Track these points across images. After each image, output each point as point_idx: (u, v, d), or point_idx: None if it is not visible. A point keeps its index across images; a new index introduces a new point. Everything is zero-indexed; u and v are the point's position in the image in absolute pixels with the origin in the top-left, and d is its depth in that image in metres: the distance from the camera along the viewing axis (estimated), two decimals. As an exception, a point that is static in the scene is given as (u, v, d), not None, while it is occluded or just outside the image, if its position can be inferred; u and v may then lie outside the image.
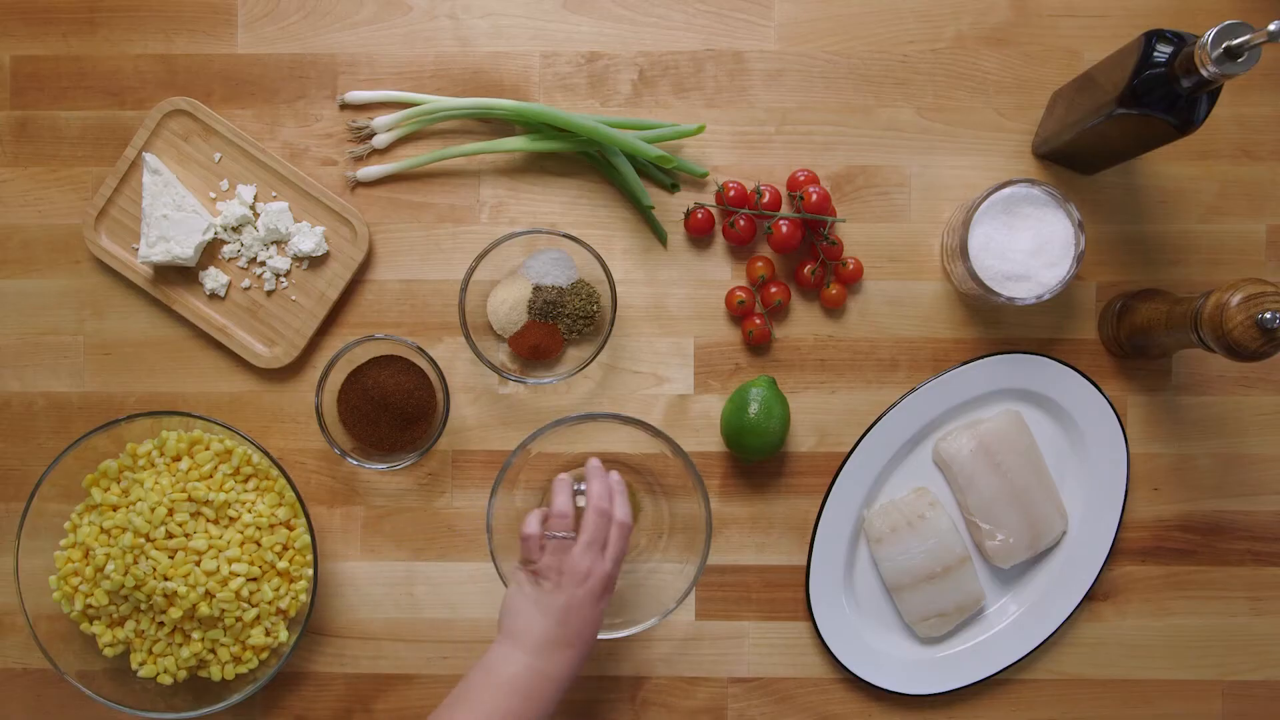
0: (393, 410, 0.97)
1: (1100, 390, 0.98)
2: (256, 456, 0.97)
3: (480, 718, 0.78)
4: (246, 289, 1.01)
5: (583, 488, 0.89)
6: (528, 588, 0.83)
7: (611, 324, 0.96)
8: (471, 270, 0.94)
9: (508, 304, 0.99)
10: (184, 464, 0.96)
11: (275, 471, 0.97)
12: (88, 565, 0.94)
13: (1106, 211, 1.01)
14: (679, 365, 1.01)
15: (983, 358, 0.99)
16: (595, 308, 0.99)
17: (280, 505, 0.97)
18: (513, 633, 0.82)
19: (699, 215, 1.00)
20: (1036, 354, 0.99)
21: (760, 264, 1.00)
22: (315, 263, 1.00)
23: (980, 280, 0.92)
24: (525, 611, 0.82)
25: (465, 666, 1.00)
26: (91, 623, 0.96)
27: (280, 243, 1.00)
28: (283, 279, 1.00)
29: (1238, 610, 1.01)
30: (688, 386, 1.01)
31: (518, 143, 0.99)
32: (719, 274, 1.01)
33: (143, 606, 0.94)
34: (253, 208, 1.00)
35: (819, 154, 1.01)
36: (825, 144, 1.01)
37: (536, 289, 0.99)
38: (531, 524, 0.86)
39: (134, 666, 0.96)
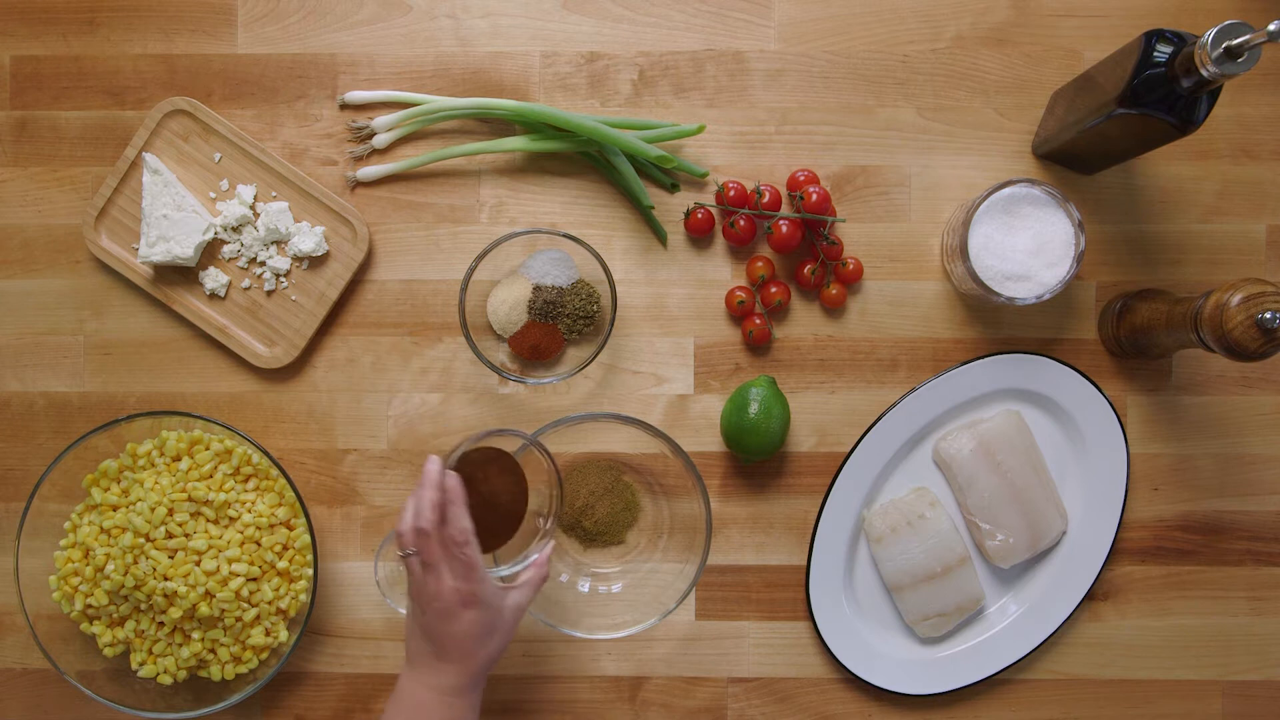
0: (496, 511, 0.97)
1: (1100, 390, 0.98)
2: (256, 456, 0.97)
3: None
4: (246, 289, 1.01)
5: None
6: (412, 609, 0.83)
7: (611, 324, 0.96)
8: (471, 270, 0.94)
9: (507, 304, 0.99)
10: (184, 464, 0.96)
11: (275, 471, 0.97)
12: (88, 565, 0.94)
13: (1106, 211, 1.01)
14: (679, 365, 1.01)
15: (983, 358, 0.99)
16: (595, 308, 0.99)
17: (280, 505, 0.97)
18: (408, 656, 0.83)
19: (699, 215, 1.00)
20: (1036, 354, 0.99)
21: (760, 264, 1.00)
22: (315, 263, 1.00)
23: (980, 280, 0.92)
24: (411, 633, 0.83)
25: (465, 666, 1.01)
26: (91, 623, 0.96)
27: (280, 243, 1.00)
28: (283, 279, 1.00)
29: (1238, 610, 1.01)
30: (688, 386, 1.01)
31: (518, 143, 0.99)
32: (719, 274, 1.01)
33: (143, 606, 0.94)
34: (253, 208, 1.00)
35: (819, 154, 1.01)
36: (825, 144, 1.01)
37: (536, 289, 0.99)
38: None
39: (134, 666, 0.96)
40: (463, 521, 0.80)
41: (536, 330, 0.99)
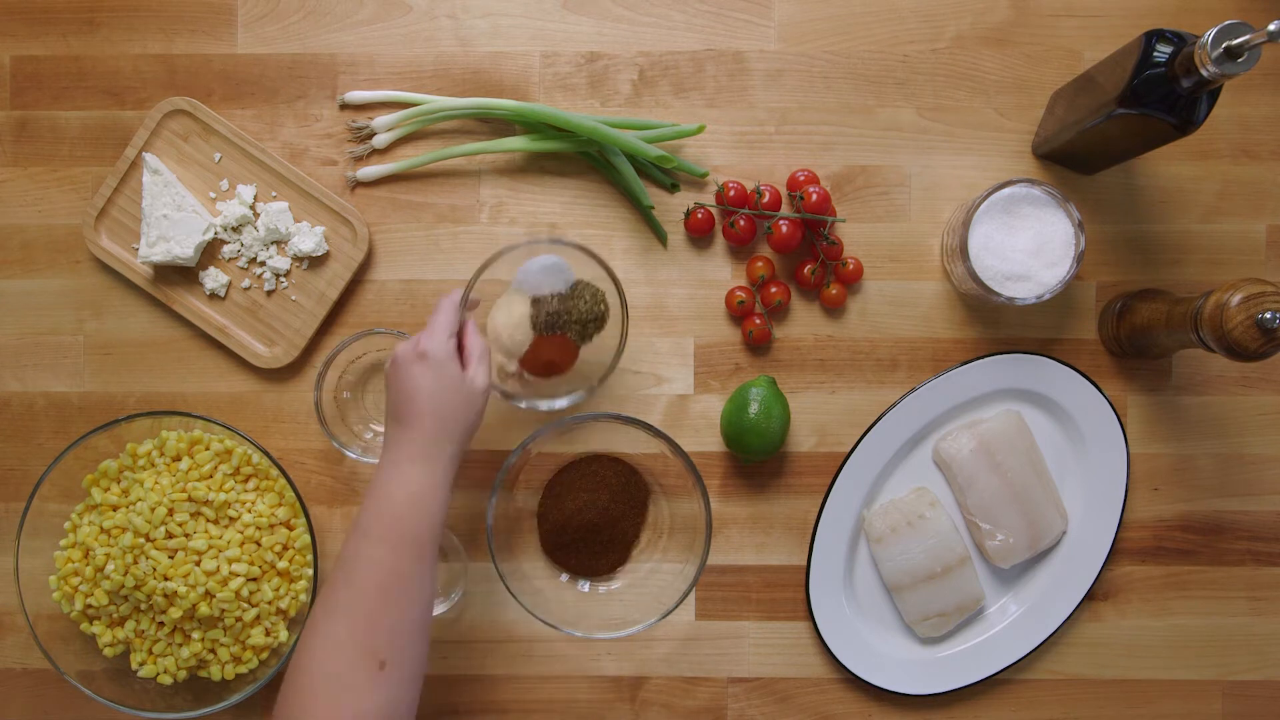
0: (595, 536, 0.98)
1: (1100, 390, 0.98)
2: (256, 456, 0.97)
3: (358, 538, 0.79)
4: (246, 289, 1.01)
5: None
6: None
7: (625, 329, 0.91)
8: (468, 291, 0.89)
9: (509, 326, 0.94)
10: (184, 464, 0.96)
11: (275, 471, 0.97)
12: (88, 565, 0.94)
13: (1106, 211, 1.01)
14: (679, 365, 1.01)
15: (983, 358, 0.99)
16: (603, 307, 0.94)
17: (280, 505, 0.97)
18: (383, 447, 0.84)
19: (699, 215, 1.00)
20: (1036, 354, 0.99)
21: (760, 264, 1.00)
22: (315, 263, 1.00)
23: (980, 280, 0.92)
24: (386, 423, 0.85)
25: (465, 666, 1.01)
26: (91, 623, 0.96)
27: (280, 243, 1.00)
28: (283, 279, 1.00)
29: (1238, 610, 1.01)
30: (688, 386, 1.01)
31: (518, 143, 0.99)
32: (719, 274, 1.01)
33: (143, 606, 0.94)
34: (253, 208, 1.00)
35: (819, 154, 1.01)
36: (825, 144, 1.01)
37: (535, 302, 0.94)
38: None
39: (134, 666, 0.96)
40: (454, 295, 0.85)
41: (547, 346, 0.94)
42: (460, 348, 0.86)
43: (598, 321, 0.95)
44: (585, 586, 1.00)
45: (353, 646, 0.75)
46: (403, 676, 0.76)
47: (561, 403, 0.92)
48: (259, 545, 0.95)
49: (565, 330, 0.94)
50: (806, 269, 0.99)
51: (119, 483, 0.96)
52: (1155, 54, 0.80)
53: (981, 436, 0.97)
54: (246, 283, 1.01)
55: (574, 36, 1.01)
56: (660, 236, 1.01)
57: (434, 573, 0.80)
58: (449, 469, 0.82)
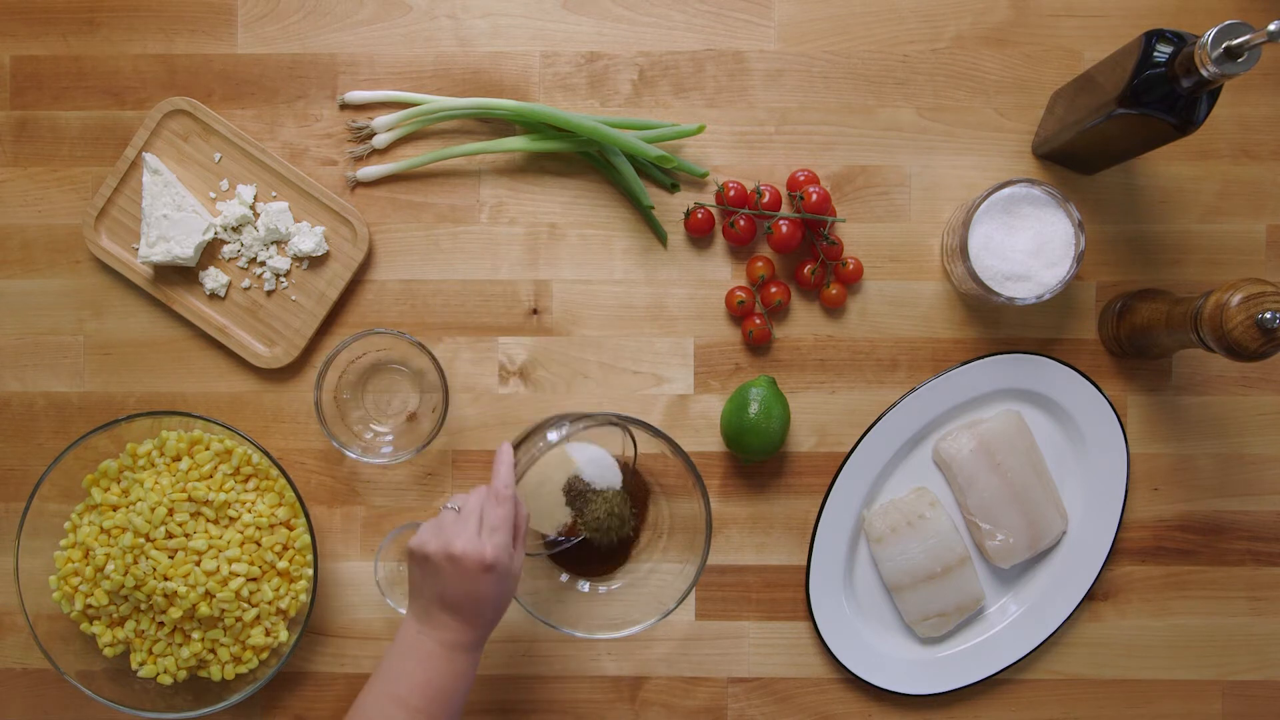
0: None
1: (1100, 390, 0.98)
2: (256, 456, 0.97)
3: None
4: (246, 289, 1.01)
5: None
6: (425, 568, 0.85)
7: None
8: (521, 471, 0.88)
9: (547, 497, 0.96)
10: (184, 464, 0.96)
11: (275, 471, 0.97)
12: (88, 565, 0.94)
13: (1106, 211, 1.01)
14: (679, 365, 1.01)
15: (983, 358, 0.99)
16: (626, 528, 0.97)
17: (280, 505, 0.97)
18: (414, 611, 0.84)
19: (699, 215, 1.00)
20: (1036, 354, 0.99)
21: (760, 264, 1.00)
22: (315, 263, 1.00)
23: (980, 280, 0.92)
24: (419, 590, 0.84)
25: (465, 666, 1.01)
26: (91, 623, 0.96)
27: (280, 243, 1.00)
28: (283, 279, 1.00)
29: (1238, 610, 1.01)
30: (688, 386, 1.01)
31: (518, 143, 0.99)
32: (719, 274, 1.01)
33: (143, 606, 0.94)
34: (253, 208, 1.00)
35: (819, 154, 1.01)
36: (825, 144, 1.01)
37: (578, 496, 0.96)
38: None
39: (134, 666, 0.96)
40: (507, 477, 0.83)
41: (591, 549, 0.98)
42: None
43: (619, 534, 0.97)
44: (585, 586, 1.00)
45: None
46: None
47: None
48: (259, 545, 0.95)
49: (605, 535, 0.96)
50: (806, 269, 0.99)
51: (119, 483, 0.96)
52: (1155, 54, 0.80)
53: (981, 436, 0.97)
54: (246, 283, 1.01)
55: (574, 36, 1.01)
56: (660, 236, 1.01)
57: None
58: (478, 660, 0.84)
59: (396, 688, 0.80)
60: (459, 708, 0.82)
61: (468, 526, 0.81)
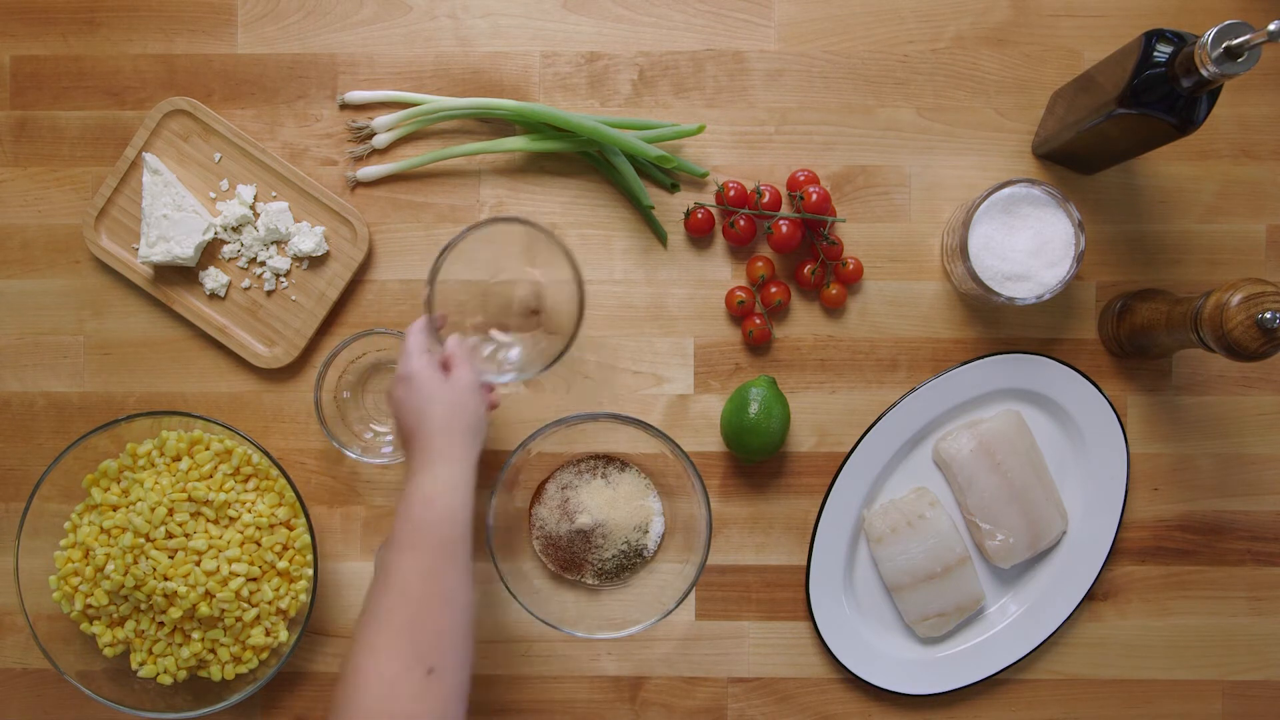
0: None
1: (1100, 390, 0.98)
2: (256, 456, 0.97)
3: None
4: (246, 289, 1.01)
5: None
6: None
7: (577, 326, 0.88)
8: (431, 304, 0.86)
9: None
10: (184, 464, 0.96)
11: (275, 471, 0.97)
12: (88, 565, 0.94)
13: (1106, 211, 1.01)
14: (679, 365, 1.01)
15: (983, 358, 0.99)
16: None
17: (280, 505, 0.97)
18: (407, 472, 0.85)
19: (699, 215, 1.00)
20: (1036, 354, 0.99)
21: (760, 264, 1.00)
22: (315, 263, 1.00)
23: (980, 280, 0.92)
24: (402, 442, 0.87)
25: (465, 666, 1.01)
26: (91, 623, 0.96)
27: (280, 243, 1.00)
28: (283, 279, 1.00)
29: (1238, 610, 1.01)
30: (688, 386, 1.01)
31: (518, 143, 0.99)
32: (719, 274, 1.01)
33: (143, 606, 0.94)
34: (253, 208, 1.00)
35: (819, 154, 1.01)
36: (825, 144, 1.01)
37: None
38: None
39: (134, 666, 0.96)
40: (417, 323, 0.86)
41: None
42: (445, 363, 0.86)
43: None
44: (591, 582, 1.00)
45: (398, 653, 0.74)
46: (452, 682, 0.76)
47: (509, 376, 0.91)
48: (259, 545, 0.95)
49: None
50: (806, 269, 0.99)
51: (119, 483, 0.96)
52: (1155, 54, 0.80)
53: (981, 436, 0.97)
54: (246, 283, 1.01)
55: (574, 36, 1.01)
56: (660, 236, 1.01)
57: (469, 575, 0.80)
58: (460, 471, 0.82)
59: (391, 535, 0.80)
60: (449, 528, 0.79)
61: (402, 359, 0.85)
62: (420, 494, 0.80)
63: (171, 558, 0.93)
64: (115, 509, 0.95)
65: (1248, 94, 1.00)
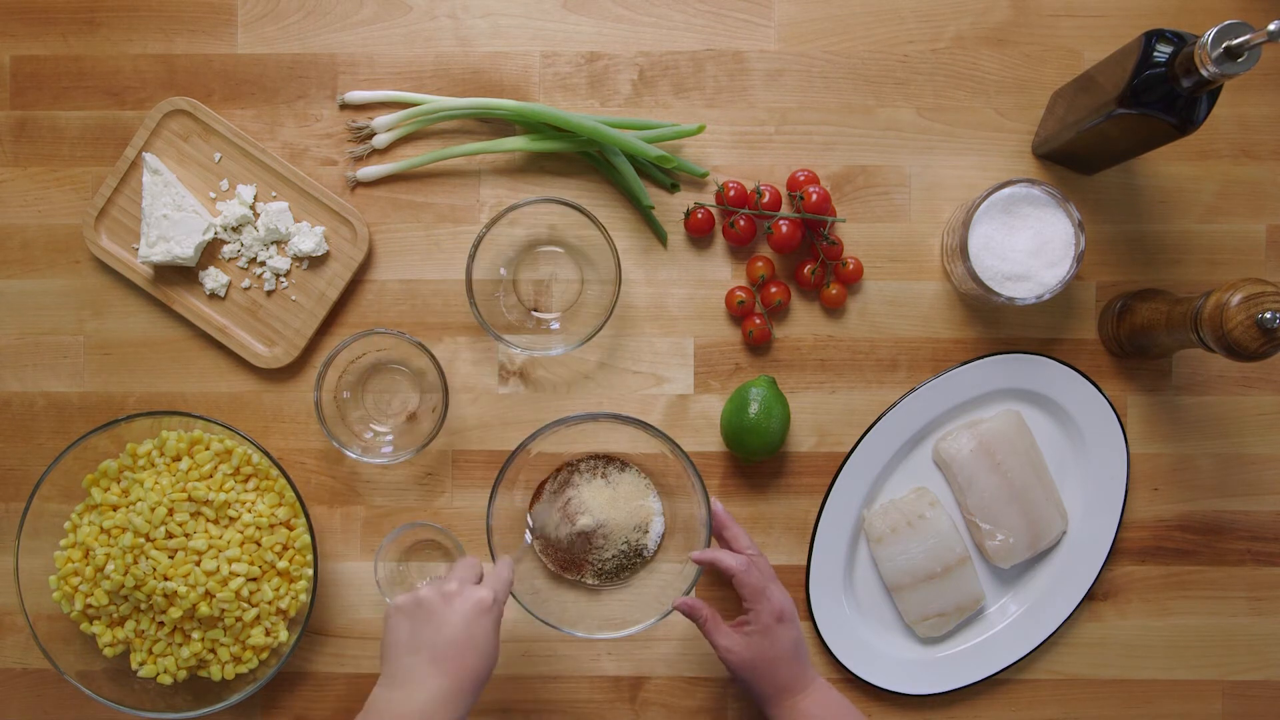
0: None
1: (1100, 390, 0.98)
2: (256, 456, 0.97)
3: None
4: (246, 289, 1.01)
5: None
6: (401, 621, 0.82)
7: (615, 301, 0.95)
8: (472, 257, 0.92)
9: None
10: (184, 464, 0.96)
11: (275, 471, 0.97)
12: (88, 565, 0.94)
13: (1106, 211, 1.01)
14: (679, 365, 1.01)
15: (983, 358, 0.99)
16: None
17: (280, 505, 0.97)
18: (386, 674, 0.81)
19: (699, 215, 1.00)
20: (1036, 354, 0.99)
21: (760, 264, 1.00)
22: (315, 263, 1.00)
23: (980, 280, 0.92)
24: (393, 647, 0.82)
25: (465, 666, 1.01)
26: (91, 623, 0.96)
27: (280, 243, 1.00)
28: (283, 279, 1.00)
29: (1238, 610, 1.01)
30: (688, 386, 1.01)
31: (518, 143, 0.99)
32: (719, 274, 1.01)
33: (143, 606, 0.94)
34: (253, 208, 1.00)
35: (819, 154, 1.01)
36: (825, 144, 1.01)
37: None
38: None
39: (134, 666, 0.96)
40: (506, 574, 0.85)
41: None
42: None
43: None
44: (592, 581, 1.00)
45: None
46: None
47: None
48: (259, 545, 0.95)
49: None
50: (806, 269, 0.99)
51: (119, 483, 0.96)
52: (1155, 54, 0.80)
53: (981, 436, 0.97)
54: (246, 283, 1.01)
55: (574, 36, 1.01)
56: (660, 236, 1.01)
57: None
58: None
59: None
60: None
61: (457, 576, 0.82)
62: None
63: (171, 558, 0.93)
64: (115, 509, 0.95)
65: (1248, 94, 1.00)
